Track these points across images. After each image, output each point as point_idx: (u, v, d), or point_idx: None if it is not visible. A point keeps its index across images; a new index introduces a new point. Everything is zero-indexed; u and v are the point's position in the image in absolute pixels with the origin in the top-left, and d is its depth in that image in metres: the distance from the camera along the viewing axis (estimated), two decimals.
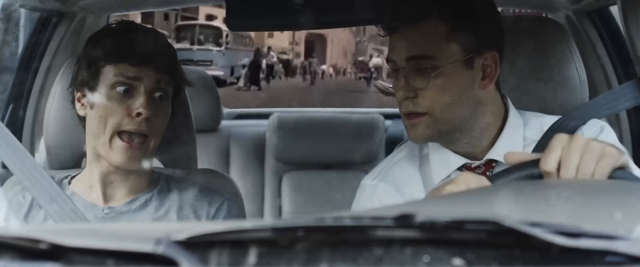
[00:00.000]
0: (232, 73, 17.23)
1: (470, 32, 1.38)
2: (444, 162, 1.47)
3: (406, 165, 1.52)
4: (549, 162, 1.03)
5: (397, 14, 1.39)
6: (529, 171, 1.05)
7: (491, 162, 1.44)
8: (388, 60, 1.42)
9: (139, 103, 1.47)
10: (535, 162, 1.05)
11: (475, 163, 1.46)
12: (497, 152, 1.42)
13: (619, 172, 1.04)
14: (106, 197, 1.60)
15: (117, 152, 1.49)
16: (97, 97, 1.51)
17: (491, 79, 1.42)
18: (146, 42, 1.50)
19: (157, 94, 1.50)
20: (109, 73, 1.49)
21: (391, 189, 1.49)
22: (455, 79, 1.38)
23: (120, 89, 1.48)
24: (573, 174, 1.02)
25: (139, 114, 1.47)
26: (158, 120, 1.51)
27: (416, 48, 1.37)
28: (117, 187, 1.60)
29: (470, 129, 1.44)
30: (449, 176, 1.46)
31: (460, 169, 1.46)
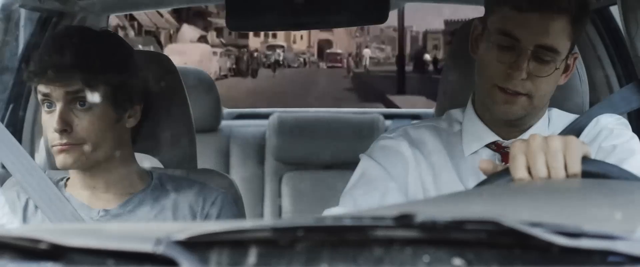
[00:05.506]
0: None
1: (578, 34, 1.43)
2: (477, 136, 1.50)
3: (427, 132, 1.54)
4: (518, 170, 1.04)
5: None
6: (503, 180, 1.06)
7: None
8: (507, 33, 1.40)
9: (55, 120, 1.51)
10: (507, 171, 1.05)
11: (506, 142, 1.48)
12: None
13: (591, 161, 1.04)
14: (99, 200, 1.60)
15: (57, 158, 1.54)
16: (42, 111, 1.57)
17: (567, 76, 1.48)
18: (59, 55, 1.51)
19: (79, 104, 1.52)
20: (38, 91, 1.55)
21: (408, 146, 1.51)
22: (556, 72, 1.43)
23: (46, 106, 1.55)
24: (545, 173, 1.02)
25: (55, 130, 1.52)
26: (88, 128, 1.53)
27: (549, 39, 1.39)
28: (107, 189, 1.60)
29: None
30: (477, 150, 1.49)
31: (489, 146, 1.49)
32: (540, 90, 1.42)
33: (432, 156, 1.50)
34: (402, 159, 1.50)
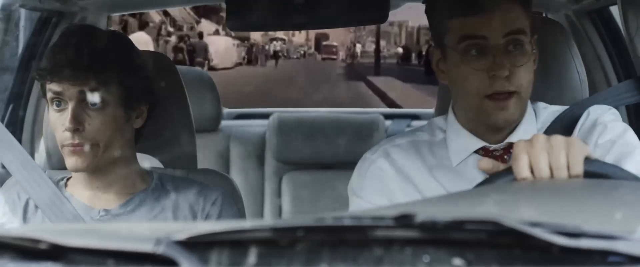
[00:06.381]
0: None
1: (529, 13, 1.43)
2: (463, 144, 1.48)
3: (409, 149, 1.52)
4: (521, 170, 1.03)
5: None
6: (505, 180, 1.06)
7: (509, 148, 1.44)
8: (473, 36, 1.39)
9: (67, 119, 1.50)
10: (509, 170, 1.05)
11: (494, 146, 1.46)
12: (517, 138, 1.41)
13: (592, 162, 1.04)
14: (100, 200, 1.60)
15: (68, 160, 1.53)
16: (49, 110, 1.56)
17: (535, 61, 1.46)
18: (75, 54, 1.51)
19: (92, 104, 1.52)
20: (48, 89, 1.54)
21: (390, 168, 1.50)
22: (531, 57, 1.42)
23: (55, 105, 1.53)
24: (548, 173, 1.02)
25: (67, 129, 1.51)
26: (100, 128, 1.53)
27: (513, 23, 1.38)
28: (108, 189, 1.60)
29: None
30: (466, 158, 1.47)
31: (477, 152, 1.46)
32: (525, 82, 1.40)
33: (414, 173, 1.48)
34: (386, 186, 1.48)
